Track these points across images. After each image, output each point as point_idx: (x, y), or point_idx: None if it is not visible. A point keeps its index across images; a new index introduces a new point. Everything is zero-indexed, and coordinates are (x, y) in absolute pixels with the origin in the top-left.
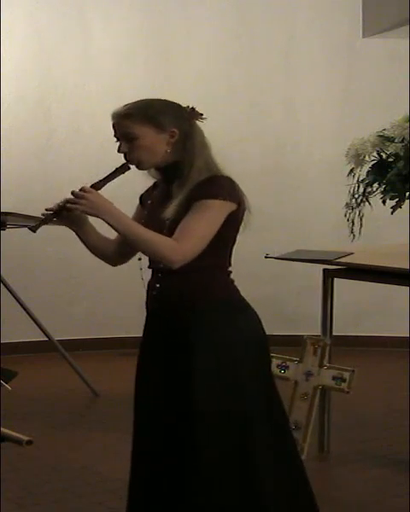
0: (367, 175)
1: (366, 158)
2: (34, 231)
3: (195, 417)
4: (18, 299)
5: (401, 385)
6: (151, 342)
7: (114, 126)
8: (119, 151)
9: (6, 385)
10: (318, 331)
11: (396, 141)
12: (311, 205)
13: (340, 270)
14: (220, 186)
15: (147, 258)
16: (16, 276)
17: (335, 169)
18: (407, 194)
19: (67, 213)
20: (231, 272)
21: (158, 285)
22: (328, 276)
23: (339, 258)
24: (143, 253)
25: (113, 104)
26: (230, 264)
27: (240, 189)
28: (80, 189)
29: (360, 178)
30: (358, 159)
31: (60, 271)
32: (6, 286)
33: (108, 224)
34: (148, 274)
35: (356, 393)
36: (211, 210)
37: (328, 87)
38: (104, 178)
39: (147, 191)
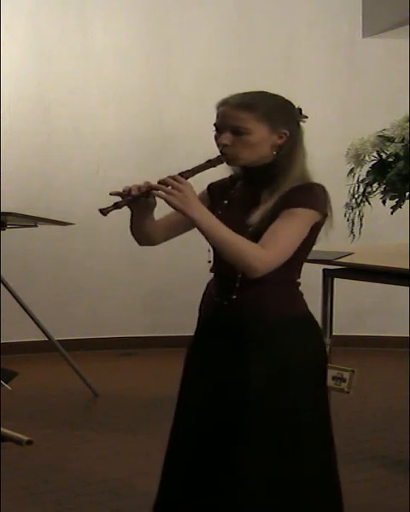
0: (367, 175)
1: (366, 158)
2: (105, 214)
3: (251, 429)
4: (18, 299)
5: (401, 385)
6: (207, 348)
7: (221, 114)
8: (218, 141)
9: (6, 385)
10: None
11: (396, 141)
12: None
13: (340, 270)
14: (312, 194)
15: (212, 261)
16: (16, 276)
17: (335, 169)
18: (407, 194)
19: (145, 199)
20: (299, 284)
21: (233, 295)
22: (328, 276)
23: (339, 258)
24: (227, 258)
25: (113, 104)
26: (299, 277)
27: (330, 200)
28: (172, 178)
29: (360, 178)
30: (358, 159)
31: (60, 271)
32: (6, 286)
33: (195, 222)
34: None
35: (356, 393)
36: (300, 219)
37: (328, 87)
38: (192, 169)
39: (220, 186)
